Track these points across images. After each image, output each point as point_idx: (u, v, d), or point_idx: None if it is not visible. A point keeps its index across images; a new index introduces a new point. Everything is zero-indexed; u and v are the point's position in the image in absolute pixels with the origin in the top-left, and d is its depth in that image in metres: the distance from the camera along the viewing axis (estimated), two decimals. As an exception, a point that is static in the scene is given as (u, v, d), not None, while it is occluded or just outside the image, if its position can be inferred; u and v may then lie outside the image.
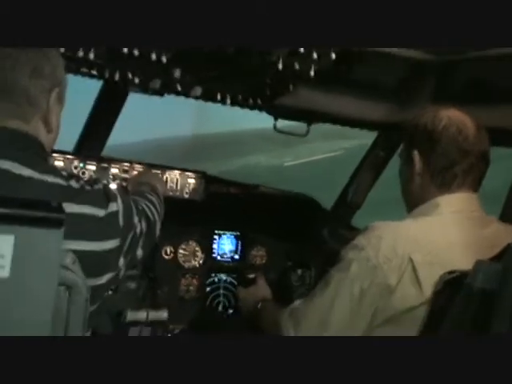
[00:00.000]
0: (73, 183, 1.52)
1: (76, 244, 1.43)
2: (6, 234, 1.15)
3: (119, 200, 1.62)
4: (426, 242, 1.75)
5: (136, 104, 3.07)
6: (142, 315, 2.90)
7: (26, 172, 1.43)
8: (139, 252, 1.76)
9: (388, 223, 1.84)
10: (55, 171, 1.53)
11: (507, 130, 2.24)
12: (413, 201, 1.98)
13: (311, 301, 1.89)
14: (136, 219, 1.73)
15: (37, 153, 1.52)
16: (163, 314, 2.95)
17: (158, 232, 1.98)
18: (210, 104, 2.80)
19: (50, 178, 1.47)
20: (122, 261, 1.62)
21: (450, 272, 1.64)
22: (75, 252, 1.37)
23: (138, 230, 1.73)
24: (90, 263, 1.45)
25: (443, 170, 1.88)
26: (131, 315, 2.88)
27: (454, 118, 1.89)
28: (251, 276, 3.10)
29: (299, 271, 3.22)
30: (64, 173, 1.55)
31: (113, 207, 1.58)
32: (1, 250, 1.14)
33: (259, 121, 2.94)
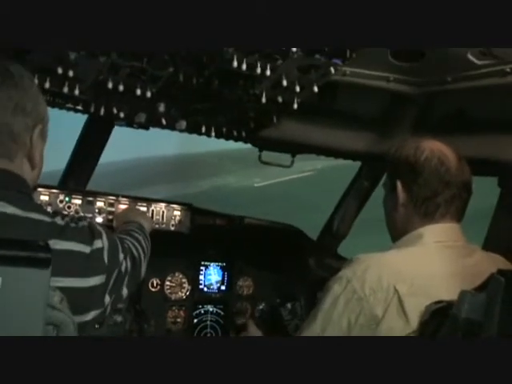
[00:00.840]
0: (57, 220, 1.52)
1: (61, 281, 1.42)
2: (-8, 276, 1.14)
3: (104, 237, 1.62)
4: (411, 272, 1.76)
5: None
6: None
7: (10, 210, 1.43)
8: (124, 291, 1.75)
9: (373, 255, 1.85)
10: (39, 208, 1.54)
11: (488, 159, 2.28)
12: (397, 231, 2.00)
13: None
14: (121, 256, 1.72)
15: (21, 191, 1.52)
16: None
17: (143, 271, 1.98)
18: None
19: (35, 216, 1.47)
20: (107, 298, 1.61)
21: (437, 302, 1.65)
22: (61, 289, 1.36)
23: (123, 268, 1.72)
24: (76, 300, 1.44)
25: (426, 200, 1.91)
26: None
27: (435, 149, 1.93)
28: (241, 322, 3.10)
29: (289, 305, 3.20)
30: (48, 210, 1.55)
31: (98, 244, 1.58)
32: (-13, 291, 1.13)
33: (225, 142, 2.91)
